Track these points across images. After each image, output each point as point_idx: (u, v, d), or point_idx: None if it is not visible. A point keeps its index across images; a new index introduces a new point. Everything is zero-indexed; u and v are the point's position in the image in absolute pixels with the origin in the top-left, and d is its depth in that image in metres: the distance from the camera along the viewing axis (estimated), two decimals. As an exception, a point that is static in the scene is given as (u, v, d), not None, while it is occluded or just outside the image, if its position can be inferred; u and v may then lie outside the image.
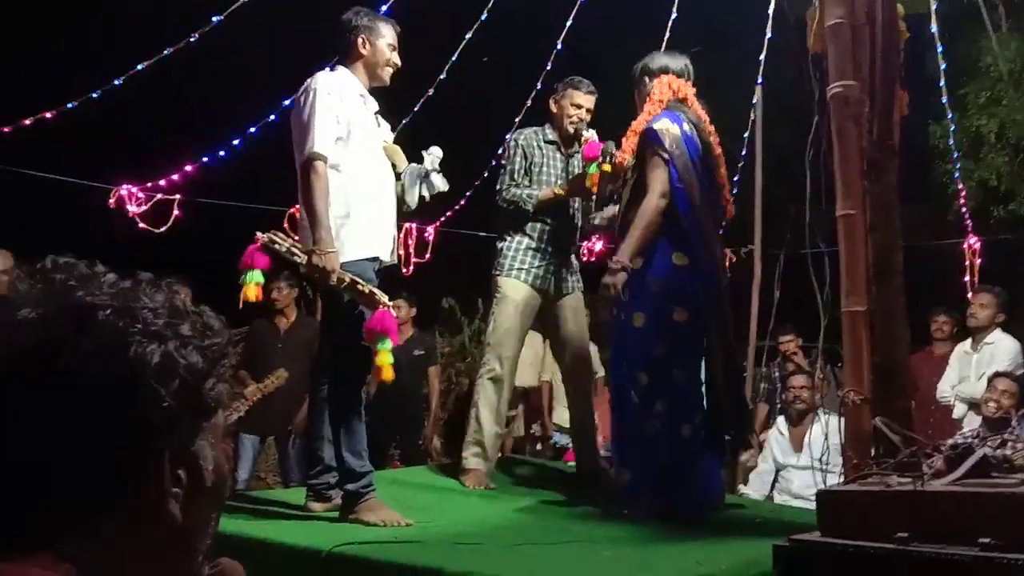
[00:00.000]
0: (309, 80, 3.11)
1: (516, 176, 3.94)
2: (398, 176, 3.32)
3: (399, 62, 3.30)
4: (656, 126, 3.40)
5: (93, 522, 0.69)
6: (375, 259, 3.14)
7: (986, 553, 1.68)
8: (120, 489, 0.69)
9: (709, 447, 3.40)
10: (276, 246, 3.00)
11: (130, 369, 0.69)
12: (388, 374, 2.97)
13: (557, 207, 3.92)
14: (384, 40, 3.24)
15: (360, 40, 3.21)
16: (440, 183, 3.36)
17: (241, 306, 2.91)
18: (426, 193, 3.36)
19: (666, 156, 3.34)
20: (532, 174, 3.96)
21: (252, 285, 2.96)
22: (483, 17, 5.63)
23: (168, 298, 0.76)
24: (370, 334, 2.95)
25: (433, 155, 3.36)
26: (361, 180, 3.12)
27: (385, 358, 2.94)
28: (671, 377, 3.28)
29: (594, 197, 3.91)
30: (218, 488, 0.78)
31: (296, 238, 3.16)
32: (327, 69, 3.17)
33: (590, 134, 3.87)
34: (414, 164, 3.34)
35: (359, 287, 2.95)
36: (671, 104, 3.51)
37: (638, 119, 3.54)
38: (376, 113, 3.29)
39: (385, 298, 2.99)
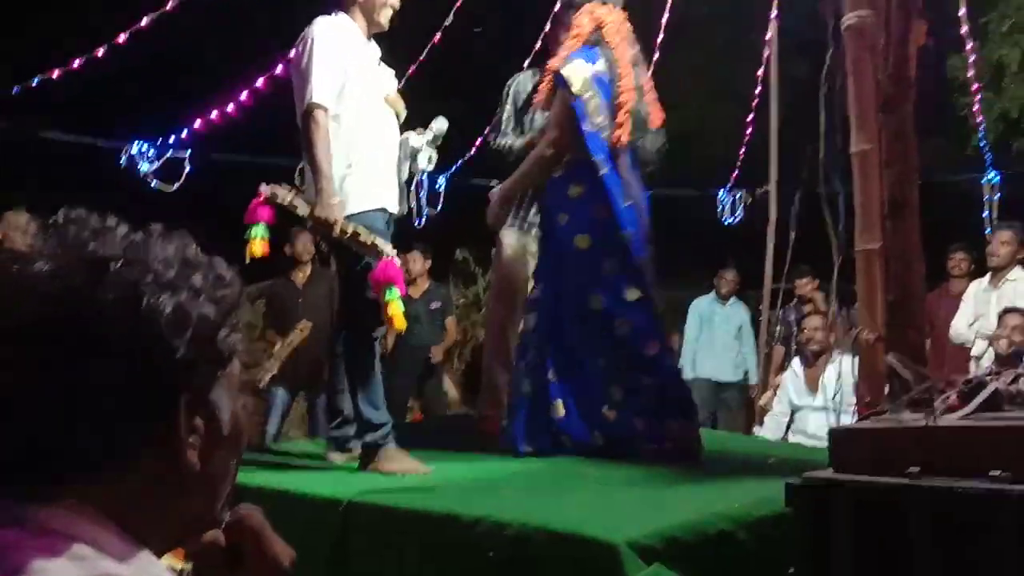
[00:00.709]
0: (308, 28, 3.05)
1: (504, 125, 3.83)
2: (402, 128, 3.26)
3: (397, 4, 3.20)
4: (564, 71, 3.25)
5: (115, 467, 0.71)
6: (383, 210, 3.11)
7: (998, 486, 1.68)
8: (138, 437, 0.72)
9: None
10: (279, 199, 2.97)
11: (144, 320, 0.71)
12: (400, 323, 2.95)
13: None
14: None
15: None
16: (424, 163, 3.27)
17: (248, 261, 2.87)
18: (414, 169, 3.29)
19: (571, 102, 3.21)
20: (524, 121, 3.83)
21: (258, 240, 2.93)
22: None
23: (180, 249, 0.77)
24: (376, 285, 2.93)
25: (434, 129, 3.28)
26: (363, 130, 3.06)
27: (396, 307, 2.92)
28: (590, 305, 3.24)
29: None
30: (236, 436, 0.80)
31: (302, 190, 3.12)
32: (325, 16, 3.09)
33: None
34: (409, 134, 3.26)
35: (361, 238, 2.93)
36: (591, 38, 3.31)
37: (555, 58, 3.39)
38: (380, 60, 3.23)
39: (388, 247, 2.96)
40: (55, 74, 4.93)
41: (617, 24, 3.34)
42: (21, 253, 0.73)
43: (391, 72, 3.33)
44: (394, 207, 3.18)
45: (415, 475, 2.90)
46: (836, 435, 1.97)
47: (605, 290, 3.24)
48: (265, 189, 2.97)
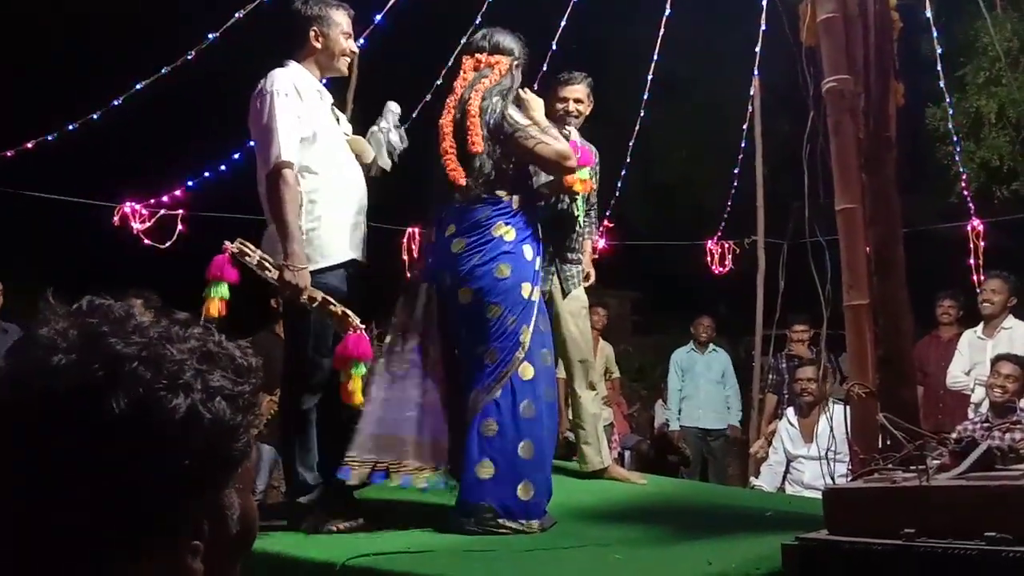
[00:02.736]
0: (262, 81, 2.92)
1: None
2: (366, 170, 3.18)
3: (355, 49, 3.13)
4: None
5: (114, 573, 0.69)
6: (351, 262, 3.03)
7: (992, 547, 1.69)
8: (139, 543, 0.70)
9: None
10: (246, 258, 2.79)
11: (154, 425, 0.69)
12: (359, 399, 2.82)
13: (550, 208, 3.88)
14: (338, 29, 3.05)
15: (312, 32, 3.02)
16: (397, 141, 3.15)
17: (202, 321, 2.71)
18: (391, 153, 3.18)
19: None
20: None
21: (217, 300, 2.74)
22: (477, 21, 5.64)
23: (201, 342, 0.75)
24: (342, 360, 2.77)
25: (390, 111, 3.18)
26: (331, 180, 2.97)
27: (356, 385, 2.76)
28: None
29: (577, 197, 3.82)
30: (244, 534, 0.77)
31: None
32: (279, 68, 2.96)
33: (564, 131, 3.77)
34: (374, 127, 3.19)
35: (331, 307, 2.78)
36: None
37: None
38: (332, 106, 3.15)
39: (357, 320, 2.80)
40: (50, 136, 4.99)
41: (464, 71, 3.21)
42: (43, 342, 0.71)
43: (344, 118, 3.25)
44: (360, 255, 3.08)
45: (409, 537, 2.84)
46: (829, 496, 1.98)
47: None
48: (231, 246, 2.79)
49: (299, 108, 2.89)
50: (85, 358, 0.70)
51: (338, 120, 3.16)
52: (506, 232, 3.06)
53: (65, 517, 0.68)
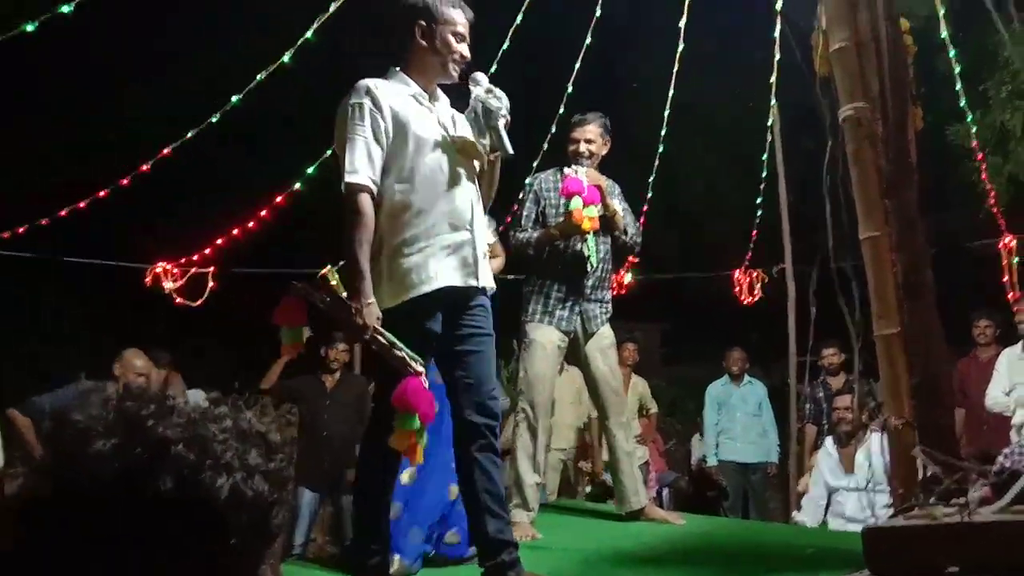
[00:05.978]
0: (351, 90, 2.60)
1: (525, 222, 3.91)
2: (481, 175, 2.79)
3: (468, 54, 2.69)
4: None
5: None
6: (452, 288, 2.61)
7: (1041, 583, 1.64)
8: None
9: None
10: (310, 298, 2.63)
11: (201, 505, 0.71)
12: (416, 457, 2.48)
13: (572, 247, 3.89)
14: (450, 28, 2.64)
15: (418, 28, 2.63)
16: (495, 103, 2.68)
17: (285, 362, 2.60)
18: (494, 128, 2.69)
19: None
20: (547, 217, 3.90)
21: (287, 345, 2.68)
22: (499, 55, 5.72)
23: (235, 421, 0.78)
24: (394, 406, 2.46)
25: (476, 81, 2.76)
26: (428, 197, 2.59)
27: (402, 440, 2.44)
28: None
29: (588, 237, 3.80)
30: None
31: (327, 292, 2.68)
32: (369, 79, 2.62)
33: (570, 170, 3.84)
34: (468, 110, 2.78)
35: (392, 349, 2.49)
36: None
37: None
38: (451, 116, 2.75)
39: (419, 365, 2.48)
40: (82, 204, 5.12)
41: None
42: (82, 429, 0.73)
43: (462, 117, 2.79)
44: (474, 279, 2.66)
45: None
46: (869, 535, 1.93)
47: None
48: (297, 287, 2.65)
49: (381, 121, 2.56)
50: (127, 442, 0.72)
51: (454, 124, 2.74)
52: None
53: None
